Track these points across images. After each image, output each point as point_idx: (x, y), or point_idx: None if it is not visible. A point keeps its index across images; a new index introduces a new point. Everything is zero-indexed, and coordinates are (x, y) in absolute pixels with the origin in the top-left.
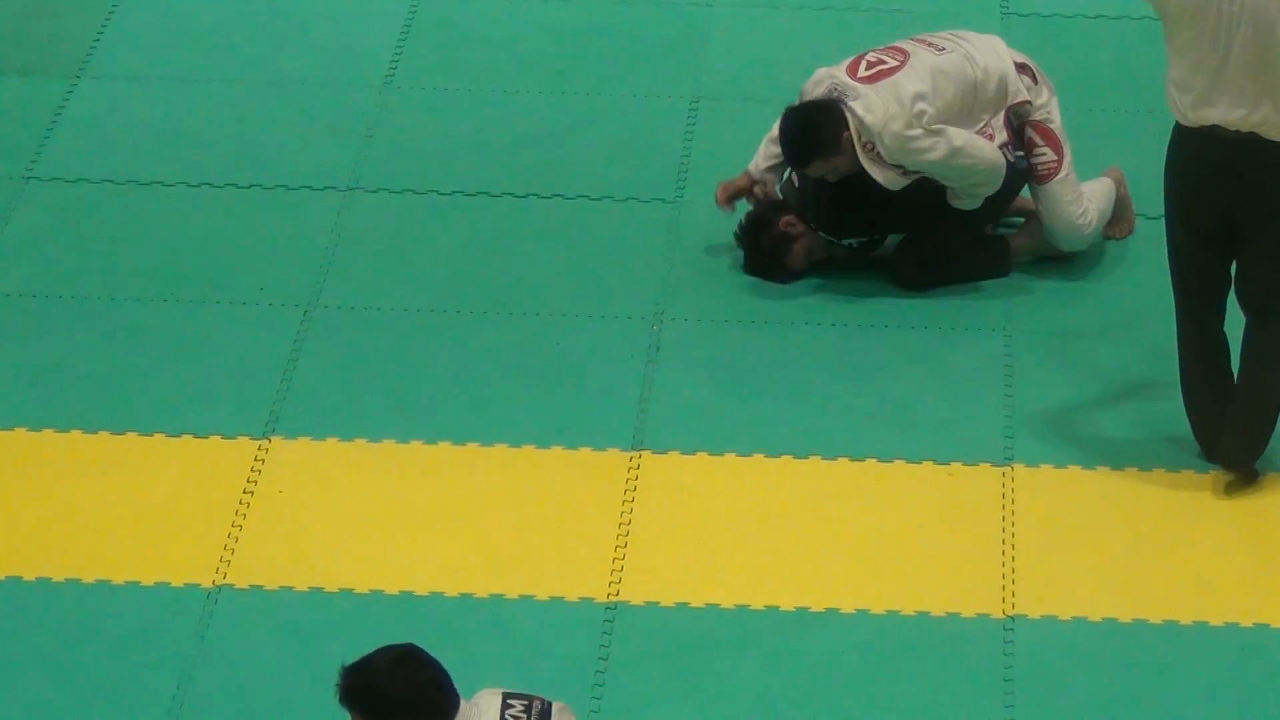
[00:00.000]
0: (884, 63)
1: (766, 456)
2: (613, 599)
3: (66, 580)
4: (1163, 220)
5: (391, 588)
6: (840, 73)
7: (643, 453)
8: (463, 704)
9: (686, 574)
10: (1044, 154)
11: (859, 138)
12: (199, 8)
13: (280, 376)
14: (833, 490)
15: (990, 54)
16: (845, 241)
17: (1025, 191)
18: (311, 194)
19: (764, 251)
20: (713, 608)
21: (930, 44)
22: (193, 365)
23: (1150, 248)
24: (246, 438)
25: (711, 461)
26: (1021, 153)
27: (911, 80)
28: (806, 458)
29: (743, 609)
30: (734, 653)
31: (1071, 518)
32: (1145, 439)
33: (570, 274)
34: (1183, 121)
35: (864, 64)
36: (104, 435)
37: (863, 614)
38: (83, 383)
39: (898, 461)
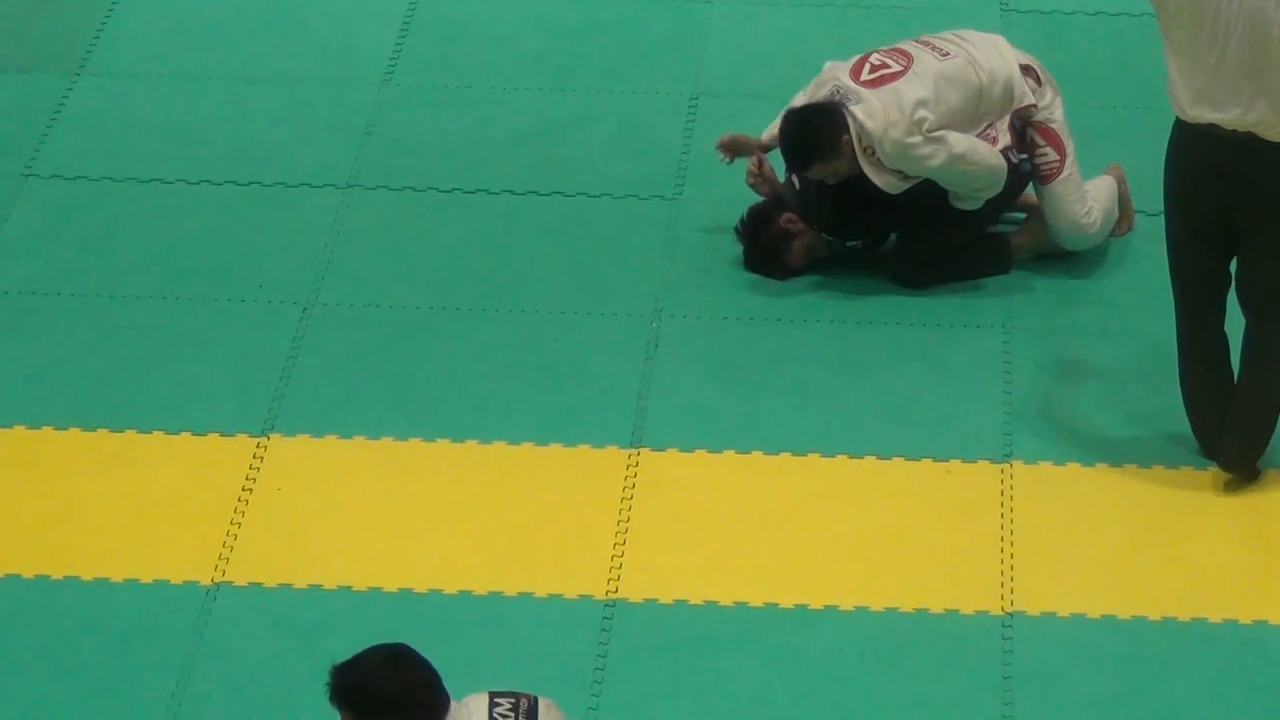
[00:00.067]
0: (887, 66)
1: (765, 454)
2: (611, 596)
3: (65, 578)
4: (1162, 217)
5: (390, 585)
6: (844, 75)
7: (641, 450)
8: (453, 705)
9: (685, 571)
10: (1046, 154)
11: (859, 142)
12: (198, 5)
13: (279, 374)
14: (832, 487)
15: (995, 57)
16: (848, 243)
17: (1029, 189)
18: (311, 191)
19: (764, 248)
20: (711, 605)
21: (934, 47)
22: (192, 362)
23: (1150, 245)
24: (245, 435)
25: (710, 459)
26: (1025, 155)
27: (913, 87)
28: (805, 455)
29: (741, 606)
30: (733, 650)
31: (1070, 515)
32: (1144, 436)
33: (569, 271)
34: (1182, 117)
35: (867, 66)
36: (103, 433)
37: (861, 611)
38: (82, 380)
39: (896, 458)
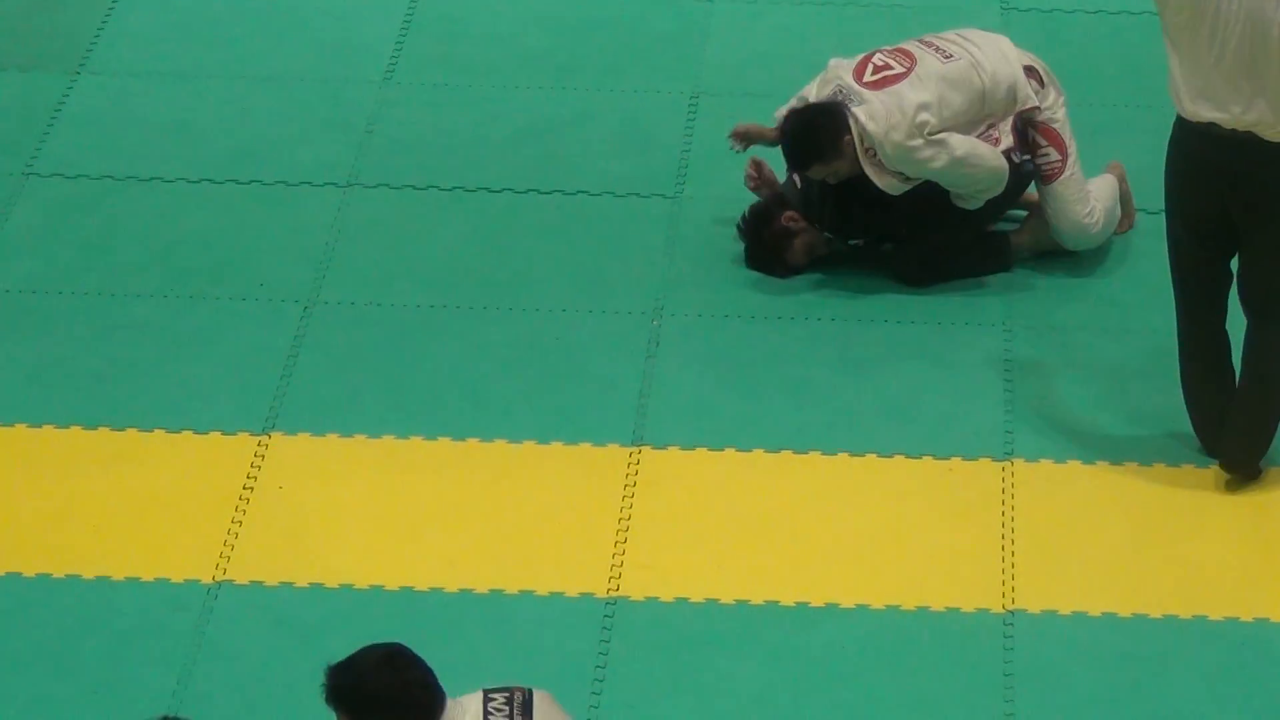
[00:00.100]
0: (890, 68)
1: (766, 452)
2: (613, 594)
3: (67, 576)
4: (1163, 215)
5: (391, 583)
6: (847, 74)
7: (642, 448)
8: (449, 703)
9: (686, 569)
10: (1048, 154)
11: (861, 143)
12: (199, 3)
13: (280, 372)
14: (833, 485)
15: (998, 59)
16: (850, 242)
17: (1031, 188)
18: (311, 190)
19: (765, 245)
20: (712, 603)
21: (937, 48)
22: (193, 361)
23: (1151, 242)
24: (246, 433)
25: (711, 457)
26: (1028, 156)
27: (915, 90)
28: (806, 453)
29: (742, 604)
30: (734, 648)
31: (1071, 512)
32: (1145, 434)
33: (570, 269)
34: (1182, 114)
35: (870, 67)
36: (104, 431)
37: (862, 609)
38: (83, 378)
39: (897, 456)
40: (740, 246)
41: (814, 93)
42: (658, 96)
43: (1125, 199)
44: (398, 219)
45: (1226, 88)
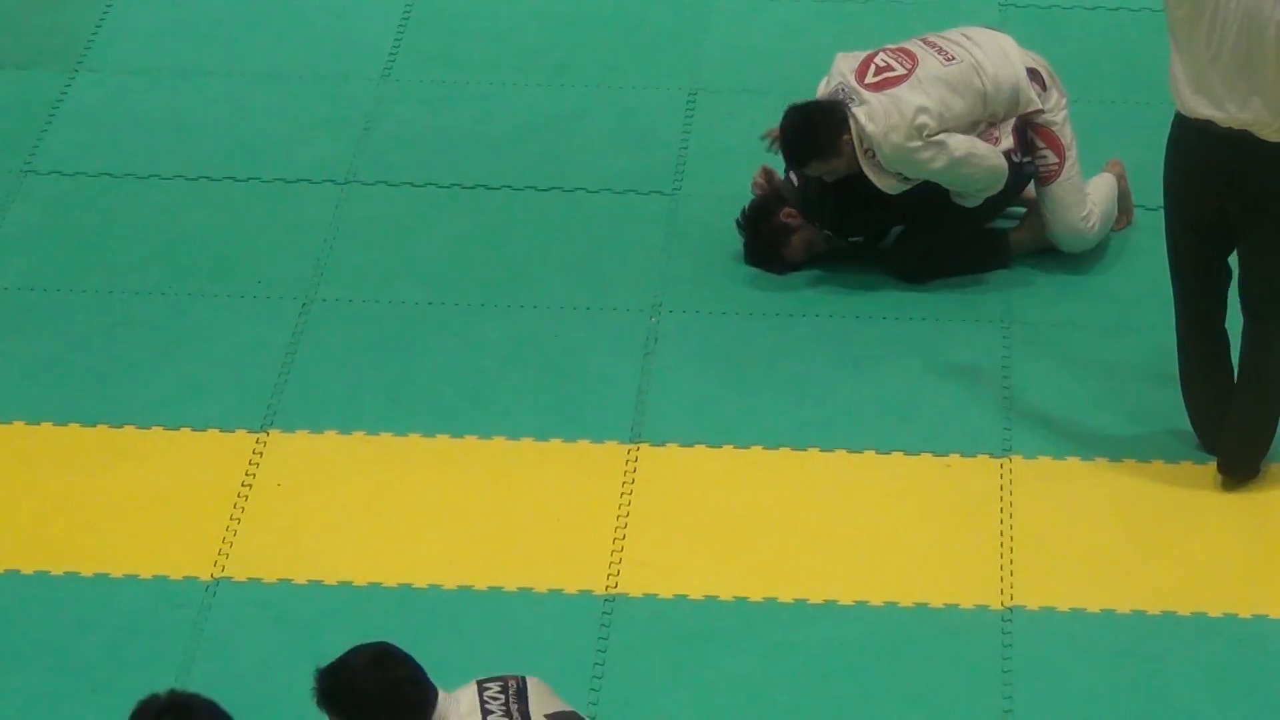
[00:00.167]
0: (891, 69)
1: (764, 448)
2: (611, 591)
3: (65, 573)
4: (1162, 212)
5: (390, 580)
6: (849, 74)
7: (641, 445)
8: (442, 695)
9: (685, 566)
10: (1045, 156)
11: (860, 143)
12: (197, 0)
13: (278, 369)
14: (831, 482)
15: (1001, 61)
16: (849, 239)
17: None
18: (309, 187)
19: (764, 242)
20: (711, 600)
21: (939, 49)
22: (191, 358)
23: (1150, 239)
24: (245, 431)
25: (709, 453)
26: (1028, 158)
27: (915, 93)
28: (805, 450)
29: (741, 601)
30: (732, 645)
31: (1070, 509)
32: (1144, 431)
33: (568, 266)
34: (1181, 110)
35: (872, 68)
36: (102, 428)
37: (861, 605)
38: (81, 376)
39: (896, 453)
40: (739, 243)
41: (821, 90)
42: (656, 93)
43: (1125, 196)
44: (396, 216)
45: (1223, 85)
